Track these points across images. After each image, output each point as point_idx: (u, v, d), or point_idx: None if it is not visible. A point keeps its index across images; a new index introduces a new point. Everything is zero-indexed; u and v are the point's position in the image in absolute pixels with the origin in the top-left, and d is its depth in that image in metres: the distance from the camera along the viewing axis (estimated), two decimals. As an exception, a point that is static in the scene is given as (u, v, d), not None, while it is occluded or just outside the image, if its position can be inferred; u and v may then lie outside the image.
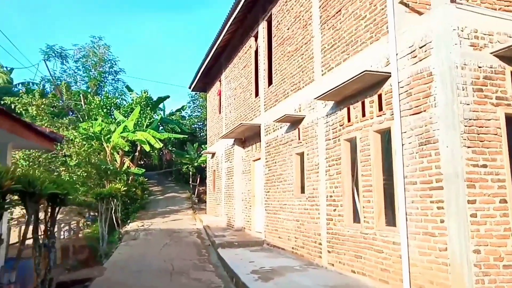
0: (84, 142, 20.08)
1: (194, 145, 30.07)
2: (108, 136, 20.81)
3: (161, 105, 29.03)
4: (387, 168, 6.62)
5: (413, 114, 5.71)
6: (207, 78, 19.02)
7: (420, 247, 5.26)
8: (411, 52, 5.83)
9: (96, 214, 18.91)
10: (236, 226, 13.80)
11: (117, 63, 31.78)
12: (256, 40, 12.96)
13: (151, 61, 77.22)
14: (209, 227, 14.57)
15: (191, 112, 32.53)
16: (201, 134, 33.64)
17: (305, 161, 8.81)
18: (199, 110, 31.96)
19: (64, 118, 14.72)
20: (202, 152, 18.92)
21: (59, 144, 14.00)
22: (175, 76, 76.54)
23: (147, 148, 20.97)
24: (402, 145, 5.82)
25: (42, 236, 4.79)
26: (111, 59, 31.28)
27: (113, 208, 14.70)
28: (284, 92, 10.23)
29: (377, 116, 6.51)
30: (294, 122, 9.40)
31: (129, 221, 16.97)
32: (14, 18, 59.82)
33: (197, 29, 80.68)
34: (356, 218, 7.13)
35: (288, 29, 10.30)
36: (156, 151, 26.25)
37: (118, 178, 19.67)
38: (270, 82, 11.49)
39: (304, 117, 8.97)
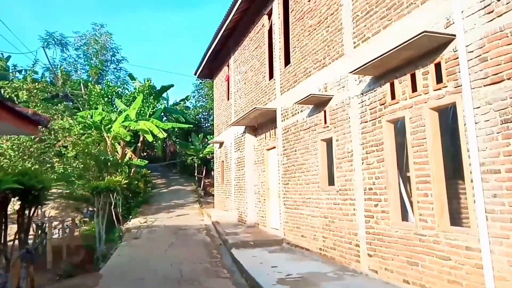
0: (82, 131, 18.92)
1: (199, 135, 28.82)
2: (109, 125, 19.61)
3: (164, 95, 27.72)
4: (447, 153, 5.34)
5: (490, 84, 4.41)
6: (214, 63, 17.70)
7: (510, 255, 4.00)
8: (485, 7, 4.51)
9: (95, 209, 17.83)
10: (248, 222, 12.59)
11: (119, 51, 30.51)
12: (269, 17, 11.61)
13: (155, 58, 75.86)
14: (218, 223, 13.37)
15: (195, 102, 31.23)
16: (207, 125, 32.40)
17: (334, 148, 7.53)
18: (204, 100, 30.65)
19: (60, 105, 13.45)
20: (209, 142, 17.68)
21: (53, 133, 12.83)
22: (179, 70, 75.23)
23: (150, 138, 19.73)
24: (476, 123, 4.52)
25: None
26: (113, 47, 30.02)
27: (113, 203, 13.54)
28: (305, 71, 8.93)
29: (435, 90, 5.21)
30: (319, 104, 8.11)
31: (131, 217, 15.80)
32: (19, 12, 58.47)
33: (202, 27, 79.02)
34: (405, 216, 5.86)
35: (309, 0, 8.96)
36: (159, 142, 24.99)
37: (119, 170, 18.49)
38: (287, 62, 10.18)
39: (331, 98, 7.67)
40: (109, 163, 17.97)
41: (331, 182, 7.79)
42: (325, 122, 7.91)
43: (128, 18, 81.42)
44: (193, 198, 20.51)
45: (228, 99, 15.94)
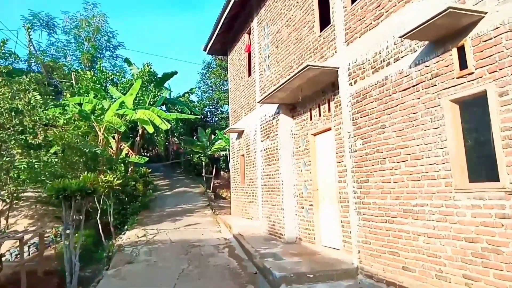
0: (67, 120, 15.49)
1: (207, 131, 25.32)
2: (101, 116, 16.14)
3: (166, 85, 24.17)
4: None
5: None
6: (228, 34, 14.21)
7: None
8: None
9: (81, 217, 14.30)
10: (286, 236, 9.06)
11: (115, 36, 27.06)
12: None
13: (157, 46, 72.51)
14: (243, 237, 9.85)
15: (201, 93, 27.69)
16: (214, 120, 28.89)
17: (495, 110, 3.98)
18: (211, 90, 27.10)
19: (26, 77, 9.97)
20: (225, 131, 14.08)
21: (17, 116, 9.35)
22: (182, 70, 71.60)
23: (150, 129, 16.21)
24: None
25: None
26: (108, 31, 26.57)
27: (99, 211, 10.11)
28: (398, -3, 5.40)
29: None
30: (446, 37, 4.57)
31: (126, 227, 12.28)
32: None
33: (207, 29, 75.34)
34: None
35: None
36: (161, 137, 21.44)
37: (112, 168, 15.00)
38: (353, -3, 6.66)
39: (482, 17, 4.14)
40: (99, 159, 14.49)
41: (476, 175, 4.25)
42: (462, 67, 4.37)
43: (130, 20, 78.13)
44: (202, 202, 16.96)
45: (249, 75, 12.42)
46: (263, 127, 10.68)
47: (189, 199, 17.64)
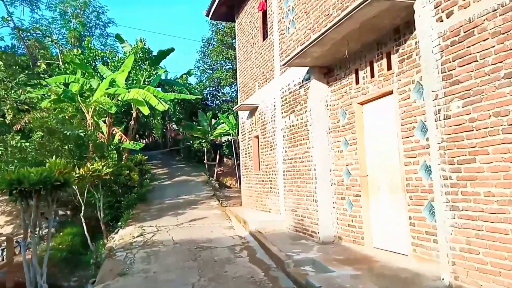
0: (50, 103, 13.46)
1: (208, 114, 23.24)
2: (89, 98, 14.03)
3: (161, 65, 21.92)
4: None
5: None
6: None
7: None
8: None
9: (69, 212, 12.33)
10: (321, 233, 7.12)
11: (105, 12, 24.72)
12: None
13: (151, 23, 69.57)
14: (263, 236, 7.93)
15: (200, 73, 25.46)
16: (215, 103, 26.76)
17: None
18: (211, 70, 24.88)
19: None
20: (234, 109, 11.90)
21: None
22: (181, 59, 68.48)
23: (145, 110, 14.12)
24: None
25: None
26: (97, 6, 24.22)
27: (84, 206, 8.18)
28: None
29: None
30: None
31: (120, 224, 10.31)
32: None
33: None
34: None
35: None
36: (158, 120, 19.20)
37: (104, 155, 12.98)
38: None
39: None
40: (87, 145, 12.47)
41: None
42: None
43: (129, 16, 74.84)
44: (207, 192, 14.99)
45: (264, 39, 10.30)
46: (286, 100, 8.63)
47: (191, 188, 15.66)
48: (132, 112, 17.87)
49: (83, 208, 8.47)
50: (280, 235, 8.15)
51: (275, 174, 9.33)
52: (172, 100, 23.96)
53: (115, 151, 15.51)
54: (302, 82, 7.85)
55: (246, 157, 11.53)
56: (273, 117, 9.38)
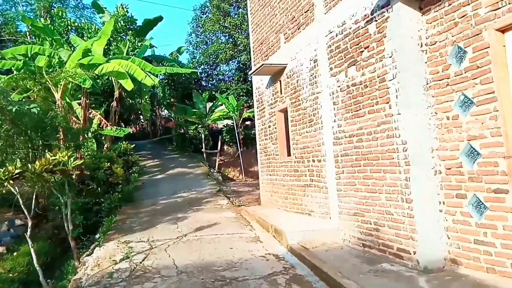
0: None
1: (203, 95, 20.21)
2: (58, 74, 10.87)
3: (148, 37, 18.65)
4: None
5: None
6: None
7: None
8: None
9: (30, 222, 9.29)
10: (420, 253, 4.33)
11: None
12: None
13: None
14: (313, 255, 5.10)
15: (193, 48, 22.26)
16: (211, 83, 23.70)
17: None
18: (205, 43, 21.72)
19: None
20: (250, 73, 8.66)
21: None
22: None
23: (128, 85, 11.09)
24: None
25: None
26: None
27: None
28: None
29: None
30: None
31: (98, 237, 7.36)
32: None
33: None
34: None
35: None
36: (146, 100, 15.92)
37: (78, 144, 9.97)
38: None
39: None
40: (56, 130, 9.45)
41: None
42: None
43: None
44: (210, 187, 12.09)
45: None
46: (337, 48, 5.70)
47: (190, 183, 12.73)
48: (114, 93, 14.73)
49: (29, 224, 5.50)
50: (339, 253, 5.34)
51: (320, 160, 6.43)
52: (163, 75, 20.94)
53: (93, 139, 12.52)
54: (372, 14, 4.93)
55: (266, 139, 8.58)
56: (314, 77, 6.44)
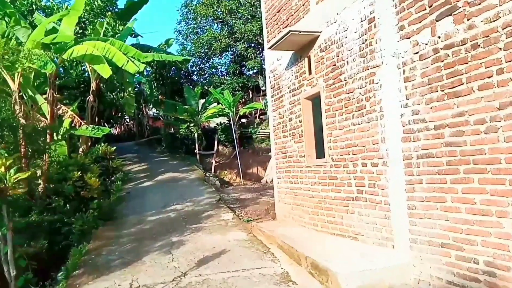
0: None
1: (196, 89, 18.15)
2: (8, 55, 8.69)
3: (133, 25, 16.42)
4: None
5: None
6: None
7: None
8: None
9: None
10: None
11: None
12: None
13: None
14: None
15: (183, 38, 20.14)
16: (203, 77, 21.61)
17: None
18: (197, 33, 19.61)
19: None
20: (268, 47, 6.53)
21: None
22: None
23: (105, 72, 8.95)
24: None
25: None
26: None
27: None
28: None
29: None
30: None
31: (59, 278, 5.25)
32: None
33: None
34: None
35: None
36: (130, 93, 13.66)
37: (40, 147, 7.85)
38: None
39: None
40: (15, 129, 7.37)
41: None
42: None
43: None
44: (209, 196, 10.04)
45: None
46: (411, -6, 3.75)
47: (185, 191, 10.68)
48: (91, 85, 12.54)
49: None
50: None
51: (377, 164, 4.47)
52: (151, 67, 18.80)
53: (64, 141, 10.39)
54: None
55: (285, 136, 6.55)
56: (367, 45, 4.46)
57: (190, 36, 20.08)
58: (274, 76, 6.85)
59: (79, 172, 7.68)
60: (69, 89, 15.06)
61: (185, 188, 11.12)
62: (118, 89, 14.42)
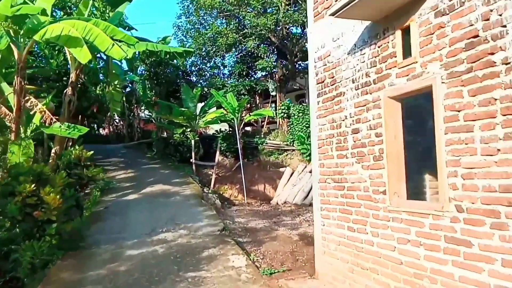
0: None
1: (195, 91, 15.95)
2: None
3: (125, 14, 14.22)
4: None
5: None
6: None
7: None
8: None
9: None
10: None
11: None
12: None
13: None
14: None
15: (183, 34, 17.94)
16: (204, 78, 19.43)
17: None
18: (198, 27, 17.45)
19: None
20: (331, 13, 4.42)
21: None
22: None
23: (82, 56, 6.73)
24: None
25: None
26: None
27: None
28: None
29: None
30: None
31: None
32: None
33: None
34: None
35: None
36: (116, 87, 11.14)
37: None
38: None
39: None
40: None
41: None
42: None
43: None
44: (209, 222, 7.73)
45: None
46: None
47: (177, 211, 8.38)
48: (70, 75, 10.23)
49: None
50: None
51: None
52: (145, 65, 16.76)
53: (31, 141, 8.12)
54: None
55: (344, 155, 4.27)
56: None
57: (190, 33, 17.90)
58: (325, 65, 4.66)
59: (33, 185, 5.37)
60: (49, 81, 12.83)
61: (178, 208, 8.82)
62: (104, 83, 12.14)
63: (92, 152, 8.50)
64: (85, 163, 7.96)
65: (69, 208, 6.73)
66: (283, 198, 11.06)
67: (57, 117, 8.59)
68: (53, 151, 9.62)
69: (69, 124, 8.91)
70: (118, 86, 10.37)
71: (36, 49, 12.56)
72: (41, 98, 10.00)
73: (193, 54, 18.49)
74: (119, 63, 10.53)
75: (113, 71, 10.26)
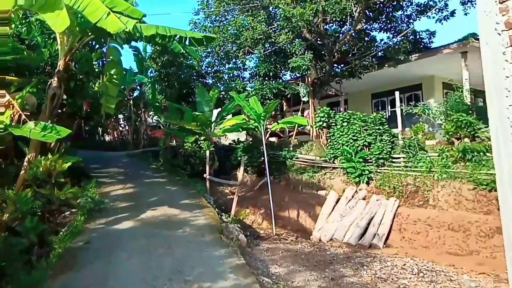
0: None
1: (211, 93, 13.59)
2: None
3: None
4: None
5: None
6: None
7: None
8: None
9: None
10: None
11: None
12: None
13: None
14: None
15: (202, 28, 15.68)
16: (218, 81, 17.09)
17: None
18: (219, 18, 15.17)
19: None
20: None
21: None
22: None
23: (59, 24, 4.34)
24: None
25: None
26: None
27: None
28: None
29: None
30: None
31: None
32: None
33: None
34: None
35: None
36: (113, 78, 8.75)
37: None
38: None
39: None
40: None
41: None
42: None
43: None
44: (236, 281, 5.18)
45: None
46: None
47: (188, 257, 5.86)
48: (58, 62, 7.88)
49: None
50: None
51: None
52: (154, 52, 14.61)
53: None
54: None
55: None
56: None
57: (209, 30, 15.62)
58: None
59: None
60: (39, 74, 10.54)
61: (189, 249, 6.30)
62: (100, 73, 9.77)
63: (68, 163, 6.06)
64: (57, 179, 5.53)
65: (24, 250, 4.29)
66: (328, 233, 8.35)
67: (31, 115, 6.20)
68: (26, 159, 7.21)
69: (46, 124, 6.51)
70: (115, 76, 7.93)
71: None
72: (15, 92, 7.68)
73: (211, 54, 16.26)
74: (119, 48, 8.12)
75: (110, 57, 7.90)
